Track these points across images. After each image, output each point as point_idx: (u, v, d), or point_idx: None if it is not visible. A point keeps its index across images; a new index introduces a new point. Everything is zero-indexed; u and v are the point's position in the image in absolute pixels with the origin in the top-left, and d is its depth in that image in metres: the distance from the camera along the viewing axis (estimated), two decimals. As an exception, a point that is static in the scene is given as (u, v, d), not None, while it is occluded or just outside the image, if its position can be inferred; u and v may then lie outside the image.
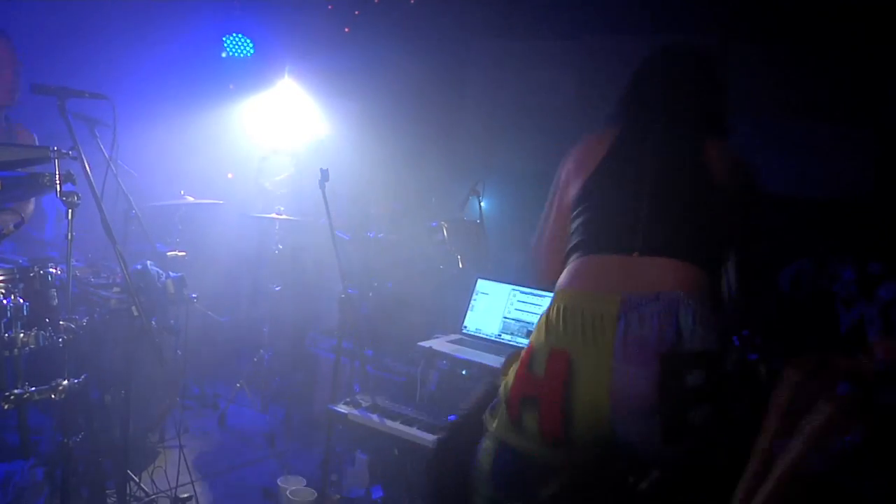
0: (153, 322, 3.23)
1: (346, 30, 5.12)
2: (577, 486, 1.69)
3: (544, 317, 1.77)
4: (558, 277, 1.84)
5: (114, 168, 2.81)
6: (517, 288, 3.27)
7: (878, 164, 4.48)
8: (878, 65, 4.36)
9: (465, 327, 3.36)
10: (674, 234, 1.71)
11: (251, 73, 5.18)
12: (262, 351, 4.57)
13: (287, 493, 3.53)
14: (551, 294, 3.14)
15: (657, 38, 4.58)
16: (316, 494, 3.49)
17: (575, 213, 1.88)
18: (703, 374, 1.53)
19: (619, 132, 1.94)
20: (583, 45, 4.86)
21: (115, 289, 3.22)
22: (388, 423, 2.98)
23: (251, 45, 5.22)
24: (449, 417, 2.98)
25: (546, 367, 1.66)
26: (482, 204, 3.96)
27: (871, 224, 4.25)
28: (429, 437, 2.84)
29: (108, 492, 3.06)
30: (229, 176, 5.34)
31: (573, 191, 1.92)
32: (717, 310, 1.66)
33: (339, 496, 3.52)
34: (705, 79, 1.99)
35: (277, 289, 4.54)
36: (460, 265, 3.52)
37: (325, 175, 3.62)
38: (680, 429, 1.53)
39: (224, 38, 5.23)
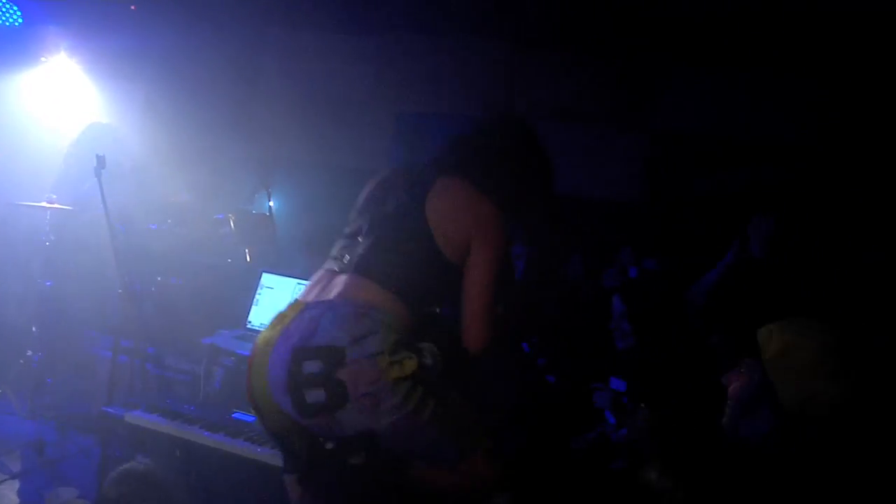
0: None
1: (133, 7, 4.79)
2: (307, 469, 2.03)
3: None
4: None
5: None
6: (302, 282, 3.25)
7: (647, 168, 4.96)
8: (650, 75, 4.84)
9: (250, 322, 3.31)
10: (373, 260, 1.99)
11: (18, 46, 4.68)
12: (30, 352, 4.18)
13: (55, 506, 3.28)
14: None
15: (451, 40, 4.81)
16: (89, 505, 3.27)
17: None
18: (319, 364, 1.83)
19: (393, 169, 2.21)
20: (379, 41, 4.93)
21: None
22: (168, 423, 2.87)
23: (18, 12, 4.71)
24: (233, 415, 2.94)
25: (249, 358, 2.05)
26: (271, 196, 3.90)
27: (639, 223, 4.72)
28: (210, 437, 2.77)
29: None
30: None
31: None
32: (396, 323, 1.90)
33: (115, 504, 3.32)
34: (501, 146, 2.14)
35: (49, 284, 4.17)
36: (248, 259, 3.45)
37: (101, 162, 3.39)
38: (302, 405, 1.85)
39: (-16, 3, 4.67)
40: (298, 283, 3.27)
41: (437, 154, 2.15)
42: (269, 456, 2.66)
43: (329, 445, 1.91)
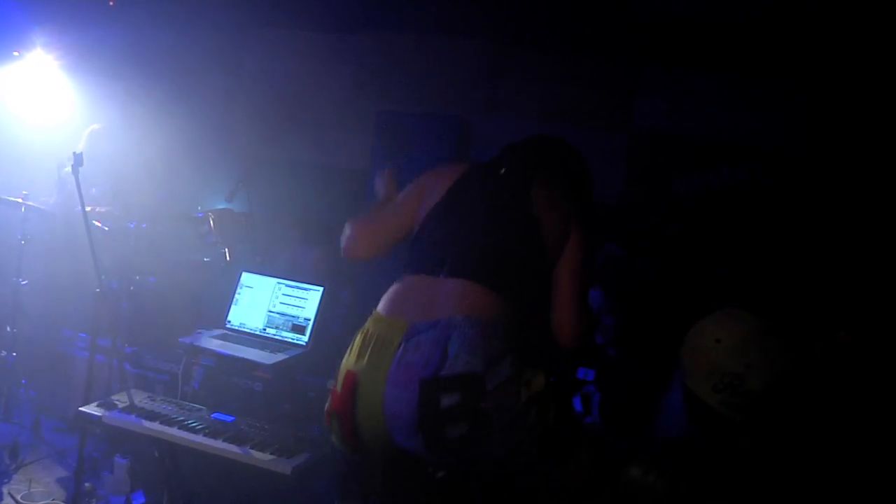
0: None
1: (111, 3, 4.74)
2: (391, 476, 1.92)
3: (356, 336, 1.93)
4: (361, 256, 2.13)
5: None
6: (282, 281, 3.25)
7: (628, 168, 5.00)
8: (631, 75, 4.87)
9: (229, 322, 3.29)
10: (479, 260, 1.87)
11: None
12: (4, 352, 4.11)
13: (29, 510, 3.24)
14: (320, 288, 3.20)
15: (434, 39, 4.80)
16: (65, 507, 3.23)
17: (418, 231, 2.04)
18: (458, 396, 1.70)
19: (472, 166, 2.11)
20: (362, 39, 4.91)
21: None
22: (147, 423, 2.85)
23: (-8, 7, 4.63)
24: (212, 415, 2.92)
25: (342, 387, 1.85)
26: (251, 194, 3.86)
27: (621, 223, 4.76)
28: (190, 437, 2.75)
29: None
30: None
31: (427, 205, 2.06)
32: (508, 334, 1.81)
33: (94, 507, 3.28)
34: (565, 157, 2.19)
35: (24, 283, 4.10)
36: (228, 258, 3.42)
37: (78, 160, 3.34)
38: (439, 443, 1.72)
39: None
40: (279, 283, 3.26)
41: (513, 157, 2.11)
42: (248, 456, 2.65)
43: (440, 475, 1.80)
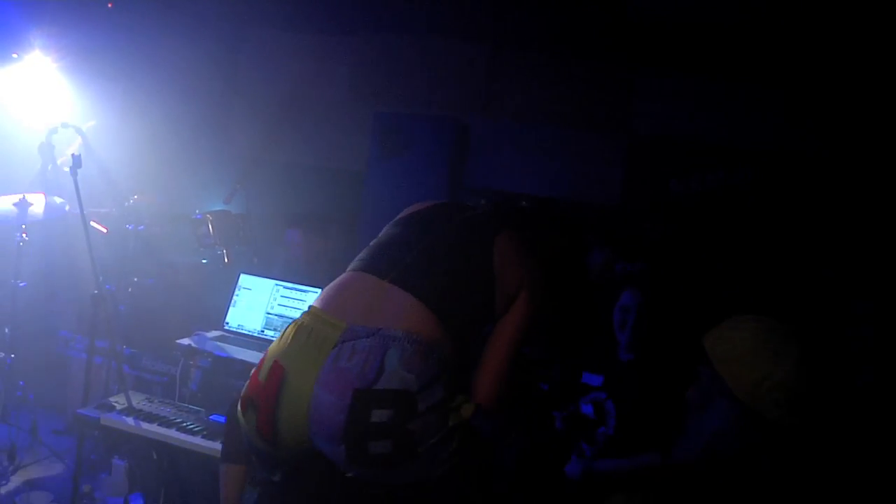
0: None
1: (110, 5, 4.74)
2: (296, 470, 1.86)
3: (288, 327, 1.85)
4: None
5: None
6: (280, 283, 3.26)
7: (626, 170, 5.01)
8: (628, 77, 4.88)
9: (227, 323, 3.30)
10: (428, 280, 1.81)
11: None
12: (2, 354, 4.10)
13: (27, 511, 3.25)
14: (318, 290, 3.19)
15: (431, 40, 4.81)
16: (62, 509, 3.23)
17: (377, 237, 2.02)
18: (389, 412, 1.63)
19: (446, 201, 2.12)
20: (357, 41, 4.92)
21: None
22: (145, 426, 2.85)
23: (-11, 9, 4.63)
24: (210, 417, 2.92)
25: (267, 377, 1.75)
26: (239, 197, 3.87)
27: (616, 224, 4.77)
28: (188, 439, 2.76)
29: None
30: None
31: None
32: (444, 360, 1.75)
33: (92, 508, 3.28)
34: (540, 215, 2.18)
35: (22, 284, 4.10)
36: (226, 260, 3.42)
37: (77, 161, 3.34)
38: (361, 456, 1.66)
39: (-48, -3, 4.59)
40: (277, 285, 3.26)
41: (495, 206, 2.10)
42: (247, 458, 2.66)
43: (349, 474, 1.72)
